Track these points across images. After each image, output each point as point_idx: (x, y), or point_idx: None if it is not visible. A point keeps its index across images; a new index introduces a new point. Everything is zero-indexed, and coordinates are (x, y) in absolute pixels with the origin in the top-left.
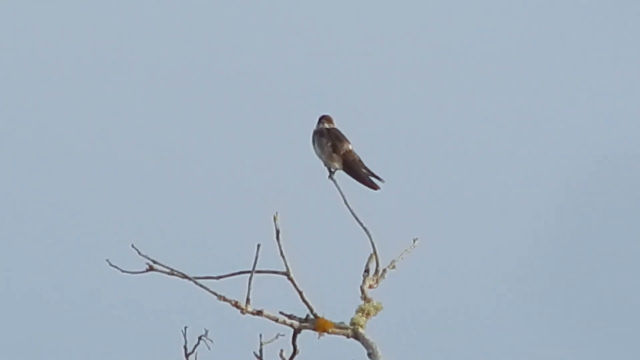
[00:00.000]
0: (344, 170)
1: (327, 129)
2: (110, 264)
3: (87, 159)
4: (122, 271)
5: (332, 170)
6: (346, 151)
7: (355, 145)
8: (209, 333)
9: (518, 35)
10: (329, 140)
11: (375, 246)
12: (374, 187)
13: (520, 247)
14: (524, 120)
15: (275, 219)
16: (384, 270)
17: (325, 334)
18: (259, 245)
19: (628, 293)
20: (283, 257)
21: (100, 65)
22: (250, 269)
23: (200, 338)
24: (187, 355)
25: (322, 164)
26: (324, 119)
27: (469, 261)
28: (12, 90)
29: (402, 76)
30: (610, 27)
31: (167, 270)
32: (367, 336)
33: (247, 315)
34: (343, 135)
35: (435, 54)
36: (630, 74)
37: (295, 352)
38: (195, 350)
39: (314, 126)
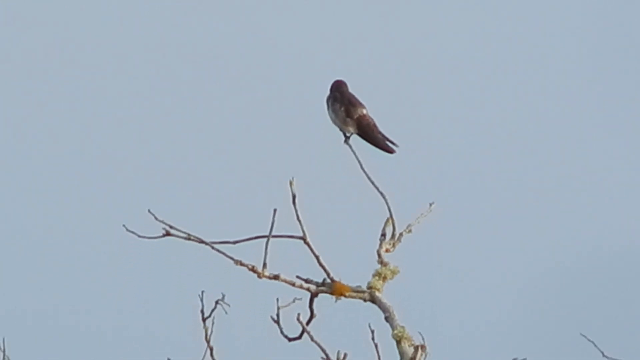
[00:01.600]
0: (359, 134)
1: (340, 94)
2: (127, 229)
3: (103, 124)
4: (139, 236)
5: (347, 135)
6: (360, 115)
7: (370, 109)
8: (225, 297)
9: None
10: (342, 105)
11: (392, 210)
12: (389, 150)
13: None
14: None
15: (291, 184)
16: (401, 234)
17: (342, 297)
18: (275, 210)
19: None
20: (299, 221)
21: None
22: (267, 233)
23: (217, 302)
24: (204, 320)
25: (337, 129)
26: (337, 84)
27: (484, 224)
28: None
29: (418, 39)
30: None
31: (184, 235)
32: (384, 300)
33: (264, 279)
34: (357, 100)
35: (450, 17)
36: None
37: (312, 316)
38: (213, 314)
39: (327, 92)
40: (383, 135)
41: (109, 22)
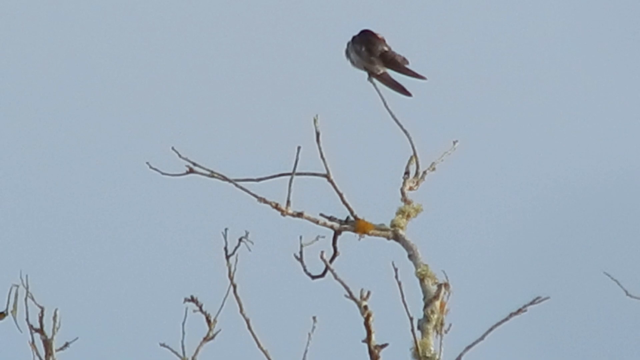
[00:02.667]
0: (386, 68)
1: (359, 37)
2: (150, 167)
3: (128, 61)
4: (162, 173)
5: (377, 72)
6: (383, 51)
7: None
8: (249, 235)
9: None
10: (362, 44)
11: (415, 148)
12: (421, 77)
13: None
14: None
15: (315, 121)
16: (424, 172)
17: (366, 235)
18: (299, 148)
19: None
20: (323, 159)
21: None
22: (291, 171)
23: (240, 240)
24: (227, 257)
25: (360, 70)
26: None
27: (508, 163)
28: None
29: None
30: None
31: (207, 172)
32: (408, 238)
33: (288, 217)
34: (376, 36)
35: None
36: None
37: (335, 253)
38: (236, 252)
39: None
40: (408, 70)
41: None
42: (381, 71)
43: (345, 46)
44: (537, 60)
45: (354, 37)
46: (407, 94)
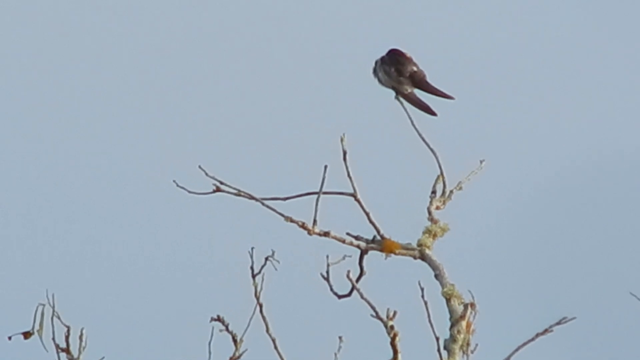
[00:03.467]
0: (415, 88)
1: (388, 56)
2: (178, 185)
3: (155, 78)
4: (189, 192)
5: (405, 92)
6: (412, 72)
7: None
8: (275, 254)
9: None
10: (391, 65)
11: (442, 167)
12: (449, 97)
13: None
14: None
15: (342, 140)
16: (451, 192)
17: (392, 255)
18: (326, 167)
19: None
20: (350, 178)
21: None
22: (318, 190)
23: (267, 259)
24: (253, 276)
25: (388, 89)
26: (393, 53)
27: (535, 182)
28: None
29: None
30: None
31: (234, 191)
32: (434, 257)
33: (314, 236)
34: (405, 55)
35: None
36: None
37: (362, 273)
38: (262, 271)
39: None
40: (436, 89)
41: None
42: (409, 90)
43: (373, 65)
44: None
45: (382, 58)
46: (433, 113)
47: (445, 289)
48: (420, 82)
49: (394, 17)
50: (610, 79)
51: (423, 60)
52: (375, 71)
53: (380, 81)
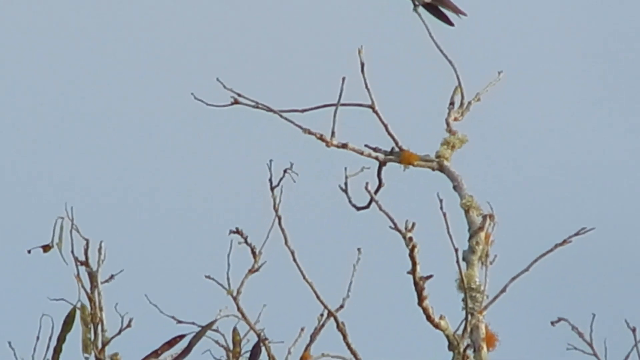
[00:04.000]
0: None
1: None
2: (195, 97)
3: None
4: (207, 104)
5: (417, 2)
6: None
7: None
8: (294, 166)
9: None
10: None
11: (460, 78)
12: (461, 13)
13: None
14: None
15: (359, 52)
16: (469, 103)
17: (411, 166)
18: (344, 78)
19: None
20: (368, 90)
21: None
22: (335, 102)
23: (285, 171)
24: (272, 188)
25: None
26: None
27: (552, 91)
28: None
29: None
30: None
31: (252, 103)
32: (452, 169)
33: (332, 148)
34: None
35: None
36: None
37: (380, 185)
38: (281, 183)
39: None
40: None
41: None
42: (423, 0)
43: None
44: None
45: None
46: (450, 23)
47: (464, 200)
48: None
49: None
50: None
51: None
52: None
53: None
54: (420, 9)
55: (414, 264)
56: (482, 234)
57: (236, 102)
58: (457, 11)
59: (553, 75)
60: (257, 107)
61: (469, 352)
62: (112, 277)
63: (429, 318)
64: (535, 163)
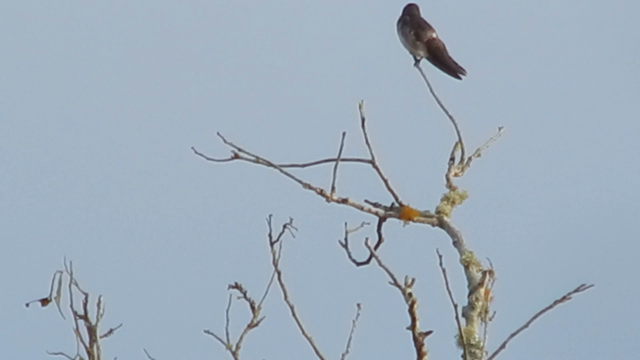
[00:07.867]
0: (429, 57)
1: (410, 17)
2: (196, 152)
3: (174, 49)
4: (207, 159)
5: (418, 58)
6: (430, 38)
7: (440, 34)
8: (293, 221)
9: None
10: (412, 28)
11: (461, 134)
12: (460, 72)
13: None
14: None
15: (360, 107)
16: (469, 159)
17: (411, 222)
18: (344, 134)
19: None
20: (368, 145)
21: None
22: (336, 157)
23: (285, 226)
24: (271, 244)
25: (407, 52)
26: (408, 7)
27: (554, 150)
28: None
29: None
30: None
31: (252, 158)
32: (452, 224)
33: (332, 203)
34: (427, 23)
35: None
36: None
37: (380, 240)
38: (280, 238)
39: (399, 15)
40: (452, 60)
41: None
42: (423, 57)
43: (399, 17)
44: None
45: (405, 18)
46: (461, 73)
47: (463, 256)
48: (434, 50)
49: None
50: None
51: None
52: (397, 28)
53: (400, 40)
54: (423, 63)
55: (413, 319)
56: (482, 290)
57: (236, 156)
58: (457, 70)
59: (554, 131)
60: (258, 162)
61: None
62: (111, 331)
63: None
64: (534, 218)
